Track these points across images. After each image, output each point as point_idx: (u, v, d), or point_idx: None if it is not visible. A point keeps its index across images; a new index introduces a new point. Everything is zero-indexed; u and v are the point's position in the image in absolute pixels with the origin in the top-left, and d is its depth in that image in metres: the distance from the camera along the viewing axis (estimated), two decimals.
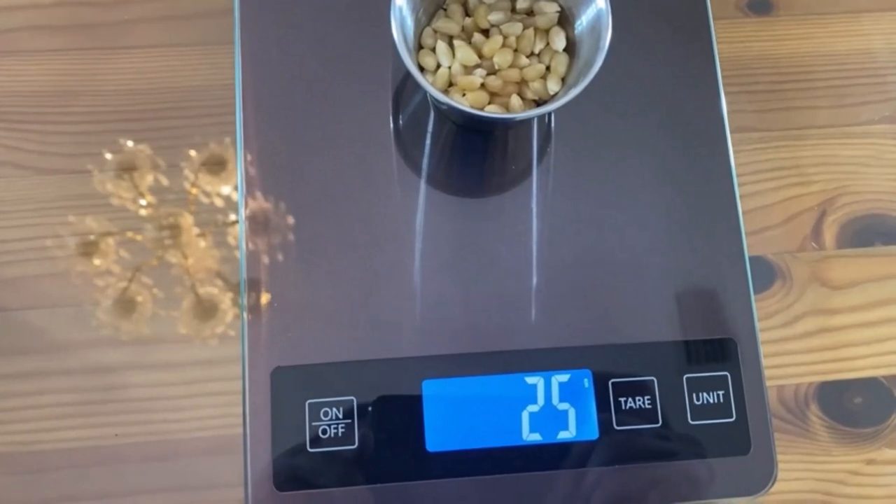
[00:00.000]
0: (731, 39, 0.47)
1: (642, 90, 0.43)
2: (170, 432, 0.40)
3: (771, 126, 0.46)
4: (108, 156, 0.42)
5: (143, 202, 0.42)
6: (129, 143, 0.43)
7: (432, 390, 0.38)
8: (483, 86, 0.38)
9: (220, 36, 0.45)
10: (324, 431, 0.37)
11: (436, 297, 0.39)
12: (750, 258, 0.41)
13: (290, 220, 0.40)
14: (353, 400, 0.38)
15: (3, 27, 0.44)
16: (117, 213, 0.42)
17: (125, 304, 0.41)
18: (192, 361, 0.41)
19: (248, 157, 0.40)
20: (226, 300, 0.41)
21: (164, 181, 0.43)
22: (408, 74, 0.42)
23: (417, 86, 0.42)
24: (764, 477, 0.39)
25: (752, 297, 0.40)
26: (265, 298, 0.38)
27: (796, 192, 0.45)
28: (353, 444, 0.37)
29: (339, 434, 0.37)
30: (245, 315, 0.38)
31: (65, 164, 0.43)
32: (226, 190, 0.43)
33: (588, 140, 0.42)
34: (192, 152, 0.43)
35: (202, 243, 0.42)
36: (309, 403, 0.37)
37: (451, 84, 0.38)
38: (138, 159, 0.42)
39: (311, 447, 0.37)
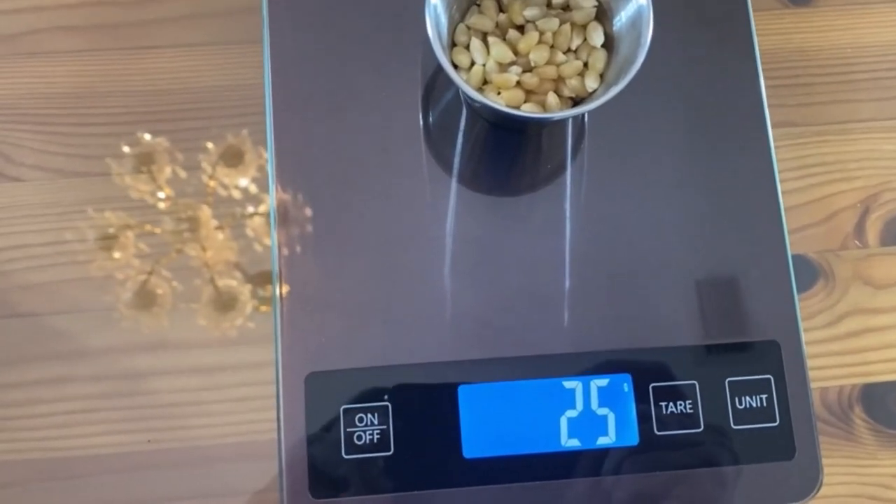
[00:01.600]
0: (771, 32, 0.45)
1: (680, 85, 0.42)
2: (202, 438, 0.39)
3: (812, 121, 0.45)
4: (127, 149, 0.42)
5: (161, 195, 0.42)
6: (148, 137, 0.42)
7: (468, 396, 0.37)
8: (519, 83, 0.37)
9: (246, 34, 0.44)
10: (359, 437, 0.37)
11: (470, 300, 0.39)
12: (792, 256, 0.40)
13: (322, 223, 0.39)
14: (388, 406, 0.37)
15: (28, 29, 0.43)
16: (136, 207, 0.42)
17: (146, 297, 0.40)
18: (223, 366, 0.40)
19: (279, 159, 0.39)
20: (244, 292, 0.41)
21: (183, 174, 0.42)
22: (438, 71, 0.41)
23: (449, 83, 0.41)
24: (809, 483, 0.38)
25: (796, 298, 0.39)
26: (298, 303, 0.38)
27: (838, 188, 0.44)
28: (389, 450, 0.37)
29: (375, 440, 0.37)
30: (278, 320, 0.37)
31: (90, 166, 0.42)
32: (243, 182, 0.42)
33: (623, 137, 0.41)
34: (210, 145, 0.42)
35: (220, 236, 0.41)
36: (344, 409, 0.37)
37: (485, 82, 0.37)
38: (157, 153, 0.42)
39: (346, 454, 0.36)
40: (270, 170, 0.40)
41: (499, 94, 0.37)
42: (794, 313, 0.39)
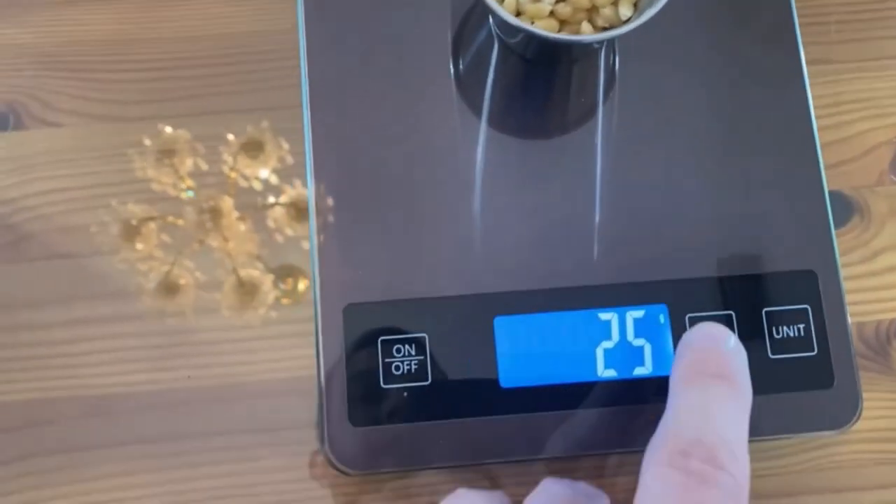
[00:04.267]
0: None
1: (711, 23, 0.42)
2: (241, 374, 0.40)
3: (846, 58, 0.44)
4: (148, 142, 0.42)
5: (183, 186, 0.42)
6: (168, 129, 0.42)
7: (504, 327, 0.37)
8: (552, 13, 0.37)
9: None
10: (397, 368, 0.37)
11: (504, 234, 0.39)
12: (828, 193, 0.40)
13: (356, 163, 0.39)
14: (425, 336, 0.37)
15: None
16: (158, 198, 0.42)
17: (168, 287, 0.41)
18: (261, 304, 0.41)
19: (313, 101, 0.40)
20: (266, 282, 0.41)
21: (204, 166, 0.43)
22: (470, 10, 0.42)
23: (481, 21, 0.41)
24: (848, 411, 0.37)
25: (833, 229, 0.39)
26: (334, 238, 0.38)
27: (873, 124, 0.44)
28: (427, 380, 0.37)
29: (412, 370, 0.37)
30: (315, 254, 0.38)
31: (126, 111, 0.43)
32: (264, 173, 0.42)
33: (655, 76, 0.41)
34: (231, 136, 0.43)
35: (242, 227, 0.42)
36: (382, 340, 0.37)
37: (518, 14, 0.37)
38: (178, 144, 0.42)
39: (384, 384, 0.37)
40: (305, 111, 0.40)
41: (532, 24, 0.37)
42: (832, 244, 0.39)
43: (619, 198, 0.39)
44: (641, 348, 0.38)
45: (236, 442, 0.39)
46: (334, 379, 0.37)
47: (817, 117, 0.41)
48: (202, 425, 0.39)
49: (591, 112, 0.41)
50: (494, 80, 0.41)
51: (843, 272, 0.40)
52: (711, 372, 0.31)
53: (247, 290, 0.40)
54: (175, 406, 0.40)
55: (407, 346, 0.37)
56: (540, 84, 0.41)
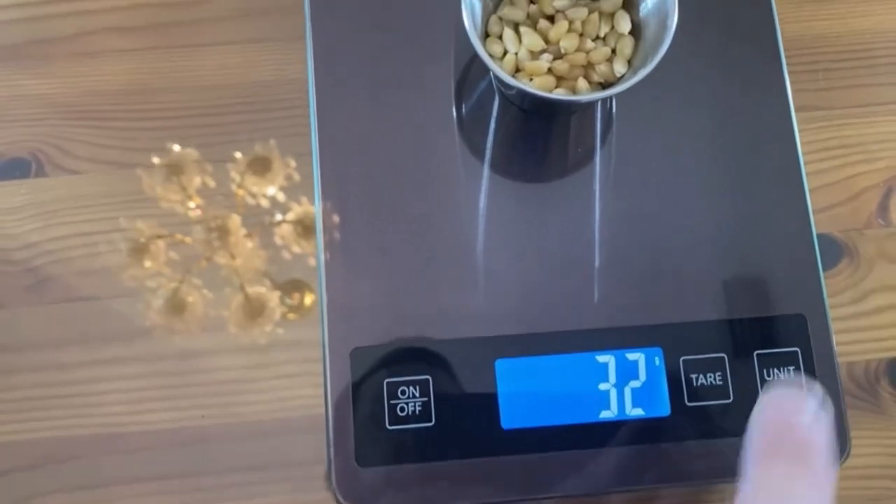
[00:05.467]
0: (792, 19, 0.47)
1: (704, 71, 0.43)
2: (253, 413, 0.41)
3: (833, 104, 0.46)
4: (156, 159, 0.44)
5: (191, 204, 0.44)
6: (177, 147, 0.44)
7: (505, 369, 0.39)
8: (550, 70, 0.39)
9: (290, 32, 0.46)
10: (402, 409, 0.38)
11: (505, 278, 0.40)
12: (817, 235, 0.41)
13: (363, 206, 0.41)
14: (428, 379, 0.39)
15: (86, 30, 0.46)
16: (167, 216, 0.44)
17: (176, 305, 0.42)
18: (271, 344, 0.42)
19: (322, 146, 0.42)
20: (273, 299, 0.43)
21: (212, 183, 0.44)
22: (471, 62, 0.43)
23: (481, 73, 0.43)
24: (837, 449, 0.39)
25: (821, 273, 0.41)
26: (341, 283, 0.40)
27: (861, 169, 0.45)
28: (431, 421, 0.38)
29: (417, 412, 0.38)
30: (324, 299, 0.39)
31: (143, 158, 0.45)
32: (271, 191, 0.44)
33: (650, 123, 0.43)
34: (238, 154, 0.44)
35: (249, 244, 0.43)
36: (387, 382, 0.39)
37: (517, 70, 0.39)
38: (185, 162, 0.44)
39: (389, 424, 0.38)
40: (315, 156, 0.42)
41: (531, 80, 0.39)
42: (820, 288, 0.40)
43: (616, 243, 0.41)
44: (637, 390, 0.39)
45: (247, 479, 0.41)
46: (342, 420, 0.38)
47: (806, 163, 0.43)
48: (215, 462, 0.41)
49: (588, 159, 0.42)
50: (495, 128, 0.43)
51: (833, 313, 0.41)
52: (788, 454, 0.28)
53: (254, 307, 0.42)
54: (189, 444, 0.41)
55: (411, 388, 0.39)
56: (539, 132, 0.43)
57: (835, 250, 0.44)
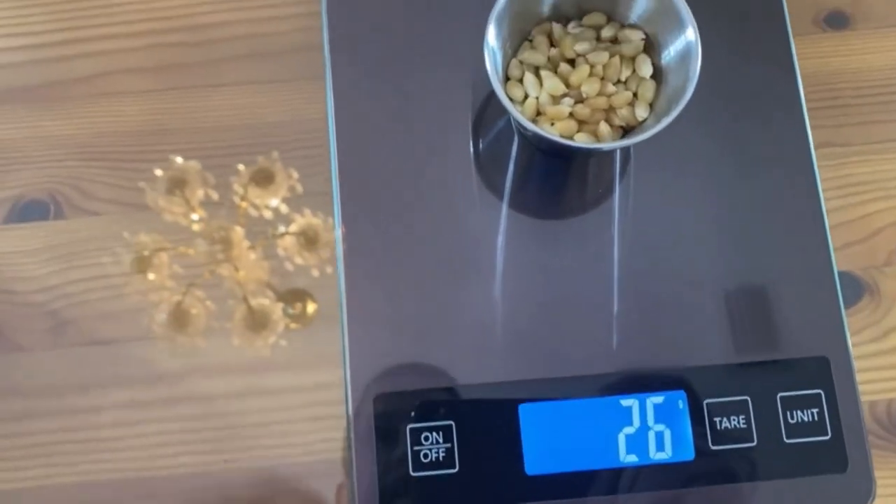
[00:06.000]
0: (810, 55, 0.47)
1: (724, 109, 0.43)
2: (276, 457, 0.41)
3: (851, 141, 0.46)
4: (159, 172, 0.44)
5: (194, 217, 0.44)
6: (179, 160, 0.44)
7: (529, 414, 0.39)
8: (571, 114, 0.39)
9: (306, 71, 0.46)
10: (425, 455, 0.38)
11: (527, 321, 0.40)
12: (837, 273, 0.41)
13: (384, 252, 0.41)
14: (452, 424, 0.39)
15: (102, 71, 0.46)
16: (170, 229, 0.44)
17: (180, 317, 0.42)
18: (293, 388, 0.42)
19: (343, 189, 0.42)
20: (276, 311, 0.43)
21: (214, 196, 0.44)
22: (488, 101, 0.43)
23: (499, 113, 0.43)
24: (862, 495, 0.39)
25: (844, 314, 0.41)
26: (363, 328, 0.40)
27: (880, 206, 0.45)
28: (454, 467, 0.38)
29: (440, 458, 0.38)
30: (346, 345, 0.39)
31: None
32: (274, 202, 0.44)
33: (669, 160, 0.43)
34: (241, 167, 0.44)
35: (252, 256, 0.43)
36: (410, 428, 0.39)
37: (538, 113, 0.39)
38: (188, 175, 0.44)
39: (413, 471, 0.38)
40: (335, 199, 0.42)
41: (552, 124, 0.39)
42: (843, 329, 0.40)
43: (637, 285, 0.41)
44: (662, 433, 0.39)
45: None
46: (365, 466, 0.38)
47: (826, 199, 0.43)
48: None
49: (607, 199, 0.42)
50: (514, 168, 0.43)
51: (854, 351, 0.41)
52: None
53: (257, 319, 0.42)
54: (212, 488, 0.41)
55: (435, 434, 0.39)
56: (558, 173, 0.43)
57: (855, 288, 0.44)
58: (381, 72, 0.43)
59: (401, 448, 0.38)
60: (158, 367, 0.42)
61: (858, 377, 0.42)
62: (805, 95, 0.44)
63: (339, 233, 0.41)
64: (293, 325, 0.42)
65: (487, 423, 0.39)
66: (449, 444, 0.38)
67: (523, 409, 0.39)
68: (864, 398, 0.42)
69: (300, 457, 0.41)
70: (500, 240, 0.42)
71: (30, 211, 0.44)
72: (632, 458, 0.39)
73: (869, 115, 0.46)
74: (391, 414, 0.39)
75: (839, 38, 0.47)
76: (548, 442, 0.39)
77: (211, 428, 0.42)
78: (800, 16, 0.47)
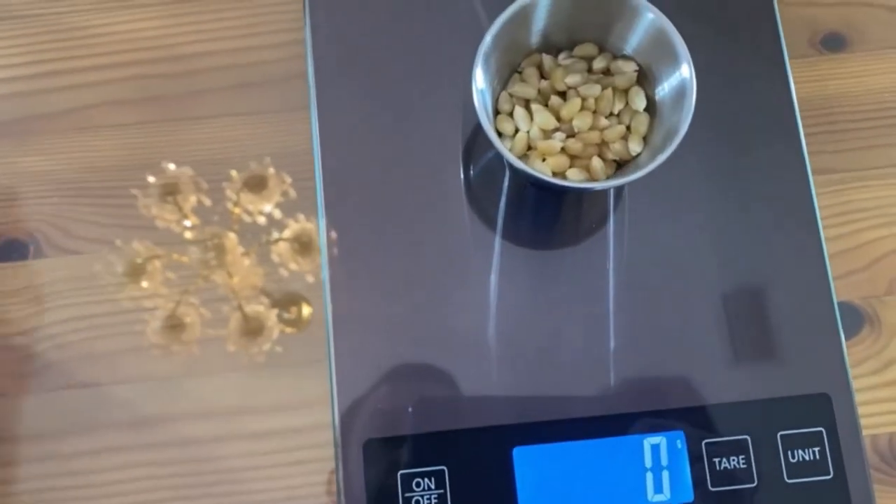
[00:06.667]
0: (806, 79, 0.46)
1: (719, 136, 0.42)
2: (263, 502, 0.40)
3: (851, 166, 0.45)
4: (152, 179, 0.43)
5: (187, 223, 0.43)
6: (172, 167, 0.43)
7: (523, 458, 0.38)
8: (563, 149, 0.38)
9: (289, 102, 0.45)
10: (417, 502, 0.37)
11: (520, 363, 0.39)
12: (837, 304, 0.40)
13: (371, 288, 0.40)
14: (444, 470, 0.38)
15: (81, 104, 0.45)
16: (163, 236, 0.43)
17: (174, 325, 0.41)
18: (279, 430, 0.41)
19: (329, 221, 0.40)
20: (271, 317, 0.42)
21: (207, 202, 0.43)
22: (479, 128, 0.42)
23: (490, 144, 0.42)
24: None
25: (845, 349, 0.40)
26: (352, 371, 0.39)
27: (880, 233, 0.44)
28: None
29: None
30: (334, 388, 0.38)
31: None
32: (267, 208, 0.43)
33: (664, 192, 0.42)
34: (234, 172, 0.43)
35: (246, 262, 0.42)
36: (401, 474, 0.38)
37: (529, 148, 0.38)
38: (181, 182, 0.43)
39: None
40: (322, 235, 0.41)
41: (543, 160, 0.38)
42: (844, 364, 0.39)
43: (632, 323, 0.40)
44: (660, 475, 0.38)
45: None
46: None
47: (824, 227, 0.42)
48: None
49: (601, 234, 0.41)
50: (506, 201, 0.42)
51: (855, 384, 0.40)
52: None
53: (252, 326, 0.41)
54: None
55: (426, 480, 0.37)
56: (550, 206, 0.42)
57: (855, 318, 0.43)
58: (368, 98, 0.42)
59: (391, 494, 0.37)
60: (141, 411, 0.41)
61: (859, 410, 0.41)
62: (802, 121, 0.43)
63: (325, 268, 0.40)
64: (289, 330, 0.41)
65: (481, 467, 0.38)
66: (441, 490, 0.37)
67: (517, 453, 0.38)
68: (865, 432, 0.42)
69: (286, 502, 0.40)
70: (493, 278, 0.41)
71: (9, 251, 0.43)
72: (630, 501, 0.38)
73: (867, 139, 0.45)
74: (382, 460, 0.38)
75: (836, 61, 0.46)
76: (543, 486, 0.38)
77: (194, 473, 0.41)
78: (795, 38, 0.46)
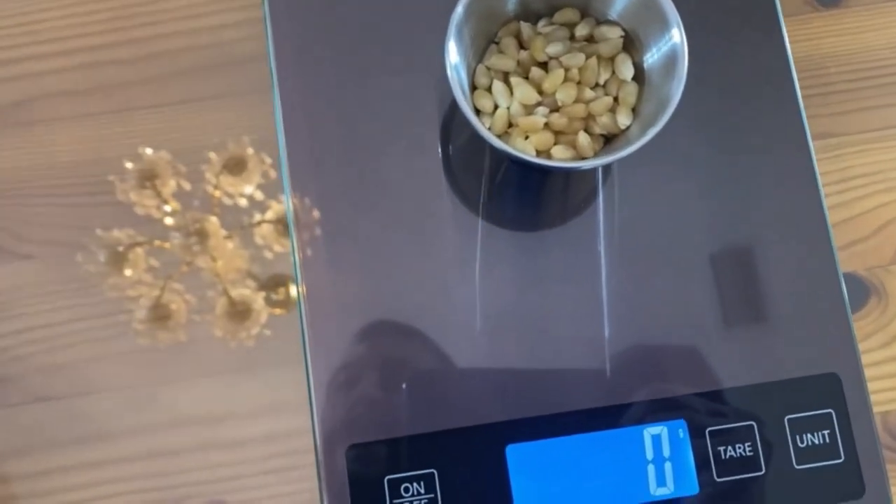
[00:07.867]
0: (801, 38, 0.43)
1: (713, 103, 0.40)
2: None
3: (848, 129, 0.43)
4: (129, 165, 0.40)
5: (167, 209, 0.40)
6: (149, 151, 0.41)
7: (517, 455, 0.36)
8: (546, 125, 0.35)
9: (253, 85, 0.42)
10: None
11: (508, 356, 0.37)
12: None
13: (348, 282, 0.37)
14: (433, 473, 0.35)
15: (30, 95, 0.42)
16: (143, 223, 0.40)
17: (160, 313, 0.39)
18: (257, 438, 0.39)
19: (298, 211, 0.38)
20: (258, 300, 0.40)
21: (187, 186, 0.41)
22: (454, 106, 0.39)
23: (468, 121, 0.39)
24: None
25: (852, 325, 0.37)
26: (330, 374, 0.36)
27: (883, 199, 0.42)
28: None
29: None
30: (313, 394, 0.36)
31: (104, 237, 0.41)
32: (248, 189, 0.41)
33: (657, 164, 0.39)
34: (212, 154, 0.41)
35: (230, 245, 0.40)
36: (388, 480, 0.35)
37: (510, 125, 0.35)
38: (159, 167, 0.40)
39: None
40: (291, 225, 0.38)
41: (526, 137, 0.35)
42: (852, 341, 0.37)
43: (628, 306, 0.37)
44: (662, 467, 0.36)
45: None
46: None
47: (826, 195, 0.39)
48: None
49: (590, 213, 0.39)
50: (489, 181, 0.39)
51: (862, 359, 0.38)
52: None
53: (239, 310, 0.39)
54: None
55: (415, 485, 0.35)
56: (535, 186, 0.39)
57: (860, 290, 0.41)
58: (334, 76, 0.39)
59: (378, 502, 0.35)
60: (108, 423, 0.39)
61: (868, 386, 0.39)
62: (800, 82, 0.40)
63: (296, 262, 0.37)
64: (277, 311, 0.39)
65: (473, 467, 0.35)
66: (432, 495, 0.35)
67: (511, 451, 0.36)
68: (875, 409, 0.40)
69: None
70: (478, 264, 0.38)
71: None
72: (631, 496, 0.35)
73: (865, 100, 0.43)
74: (366, 466, 0.35)
75: (832, 17, 0.44)
76: (539, 485, 0.35)
77: (171, 486, 0.38)
78: None
